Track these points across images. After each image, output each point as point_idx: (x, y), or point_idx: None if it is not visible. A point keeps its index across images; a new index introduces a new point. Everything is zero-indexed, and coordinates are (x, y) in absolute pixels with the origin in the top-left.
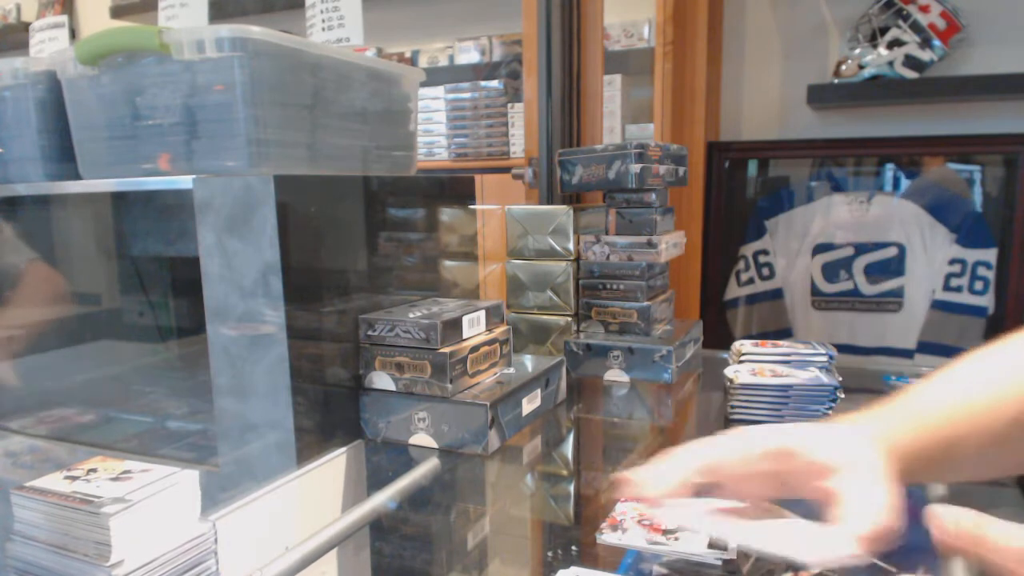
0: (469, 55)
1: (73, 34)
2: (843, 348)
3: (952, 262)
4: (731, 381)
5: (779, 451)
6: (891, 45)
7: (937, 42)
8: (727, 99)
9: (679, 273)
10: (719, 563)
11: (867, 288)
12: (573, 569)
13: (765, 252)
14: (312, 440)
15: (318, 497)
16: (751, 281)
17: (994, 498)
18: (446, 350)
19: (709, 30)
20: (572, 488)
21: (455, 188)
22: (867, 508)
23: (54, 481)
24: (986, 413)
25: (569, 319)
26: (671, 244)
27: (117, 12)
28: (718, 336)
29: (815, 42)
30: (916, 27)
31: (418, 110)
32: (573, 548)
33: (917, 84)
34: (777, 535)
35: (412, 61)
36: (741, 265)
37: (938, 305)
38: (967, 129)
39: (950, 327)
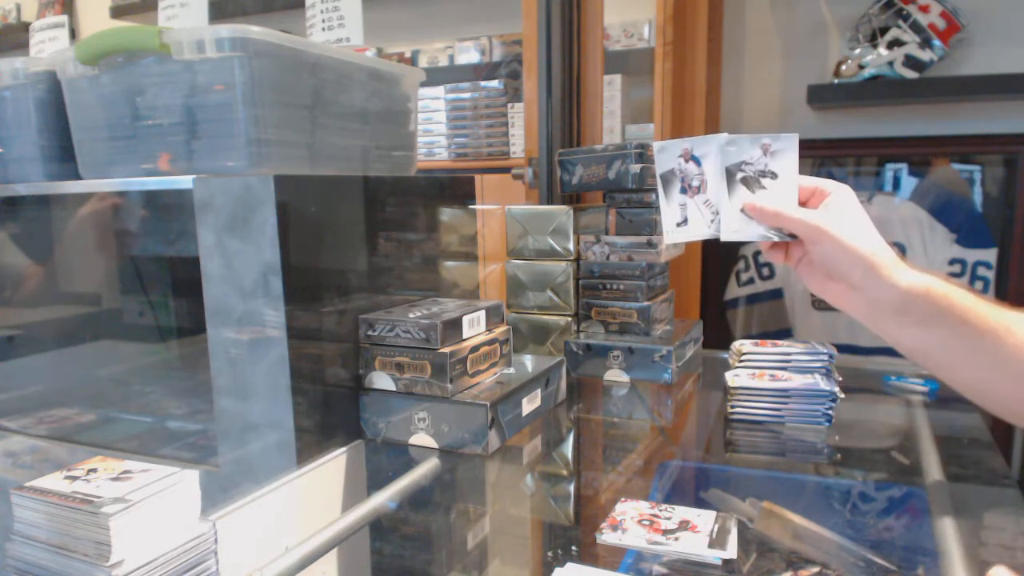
0: (469, 55)
1: (73, 34)
2: (843, 348)
3: (952, 262)
4: (731, 386)
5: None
6: (891, 45)
7: (937, 42)
8: (727, 99)
9: (679, 273)
10: (719, 563)
11: None
12: (570, 566)
13: None
14: (312, 440)
15: (318, 497)
16: (751, 281)
17: (994, 498)
18: (446, 350)
19: (709, 30)
20: (572, 488)
21: (455, 188)
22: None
23: (54, 481)
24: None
25: (569, 319)
26: (671, 244)
27: (117, 12)
28: (718, 336)
29: (815, 42)
30: (916, 27)
31: (418, 110)
32: (573, 548)
33: (917, 84)
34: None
35: (412, 61)
36: (741, 265)
37: None
38: (967, 129)
39: None
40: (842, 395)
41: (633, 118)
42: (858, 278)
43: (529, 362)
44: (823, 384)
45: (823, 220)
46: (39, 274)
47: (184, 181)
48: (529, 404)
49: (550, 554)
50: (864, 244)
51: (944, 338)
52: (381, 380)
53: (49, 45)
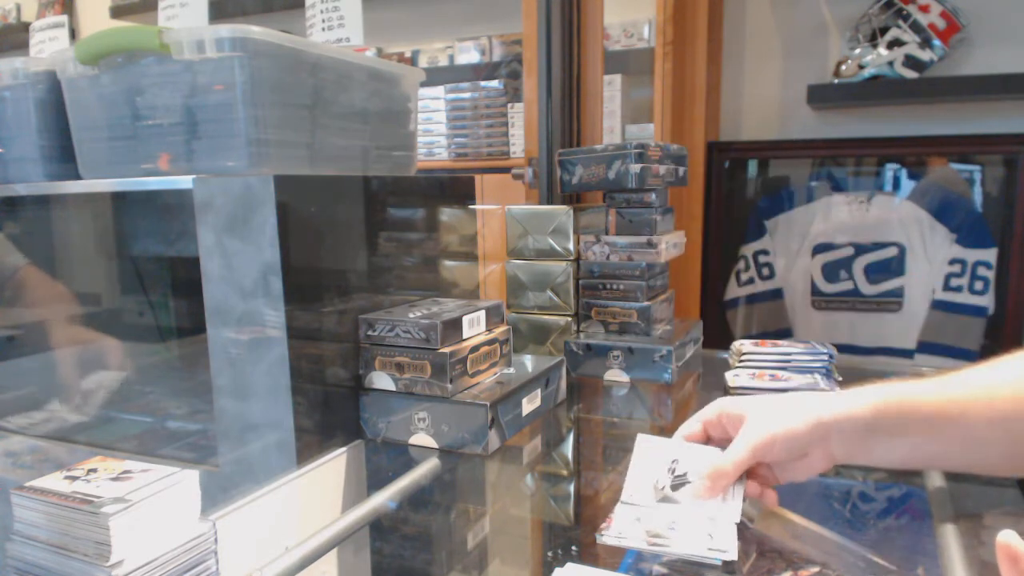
0: (469, 55)
1: (73, 34)
2: (843, 348)
3: (952, 262)
4: (731, 386)
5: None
6: (891, 45)
7: (937, 42)
8: (727, 99)
9: (679, 273)
10: (719, 563)
11: (867, 288)
12: (570, 566)
13: (765, 252)
14: (312, 440)
15: (318, 497)
16: (751, 281)
17: (994, 498)
18: (446, 350)
19: (709, 30)
20: (572, 488)
21: (455, 188)
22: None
23: (54, 481)
24: (968, 405)
25: (569, 319)
26: (671, 244)
27: (117, 12)
28: (718, 336)
29: (815, 42)
30: (916, 27)
31: (418, 110)
32: (573, 548)
33: (917, 84)
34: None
35: (412, 61)
36: (741, 265)
37: (938, 305)
38: (967, 129)
39: (950, 327)
40: None
41: (633, 118)
42: (820, 442)
43: (529, 362)
44: (823, 384)
45: (749, 443)
46: (38, 273)
47: (184, 181)
48: (529, 404)
49: (550, 554)
50: (799, 421)
51: (919, 438)
52: (381, 380)
53: (49, 45)
